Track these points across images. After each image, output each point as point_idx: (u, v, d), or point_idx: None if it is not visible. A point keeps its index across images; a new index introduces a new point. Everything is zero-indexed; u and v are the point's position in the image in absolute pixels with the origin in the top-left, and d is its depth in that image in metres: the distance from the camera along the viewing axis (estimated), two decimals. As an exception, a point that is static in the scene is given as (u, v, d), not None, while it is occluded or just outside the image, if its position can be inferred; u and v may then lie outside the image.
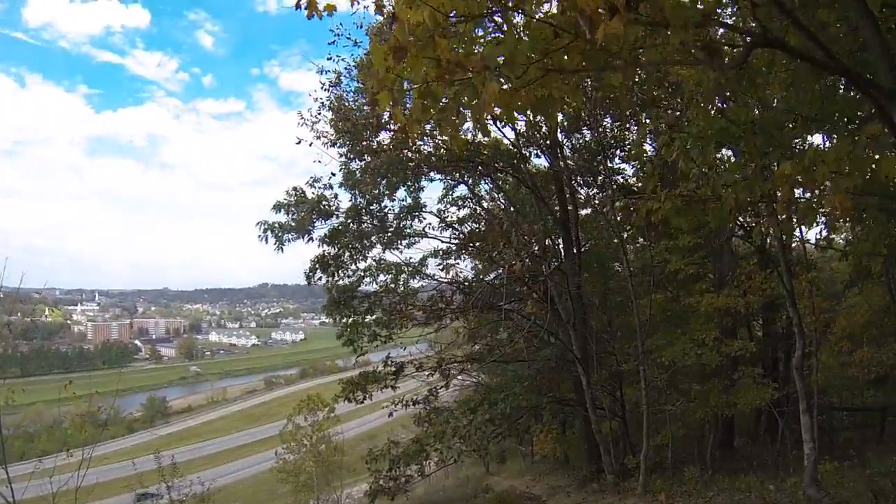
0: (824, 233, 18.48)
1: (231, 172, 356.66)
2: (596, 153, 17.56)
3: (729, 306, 14.88)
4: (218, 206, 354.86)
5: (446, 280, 16.71)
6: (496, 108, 3.55)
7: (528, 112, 4.29)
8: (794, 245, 18.24)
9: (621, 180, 17.93)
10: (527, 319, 16.15)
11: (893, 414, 16.88)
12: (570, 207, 16.25)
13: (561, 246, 16.33)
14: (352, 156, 15.33)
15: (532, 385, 14.84)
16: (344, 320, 15.93)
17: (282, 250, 15.32)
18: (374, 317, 15.98)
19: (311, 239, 15.45)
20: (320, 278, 15.92)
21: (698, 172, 6.06)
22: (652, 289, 15.03)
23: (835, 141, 5.88)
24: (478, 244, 15.74)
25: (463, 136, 9.89)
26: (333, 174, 15.34)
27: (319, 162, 15.41)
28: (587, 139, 17.99)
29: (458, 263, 17.29)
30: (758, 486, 11.47)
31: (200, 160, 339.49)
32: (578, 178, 17.12)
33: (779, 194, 4.66)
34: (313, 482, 36.58)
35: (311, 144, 14.74)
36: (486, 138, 15.19)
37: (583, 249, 16.14)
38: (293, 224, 15.17)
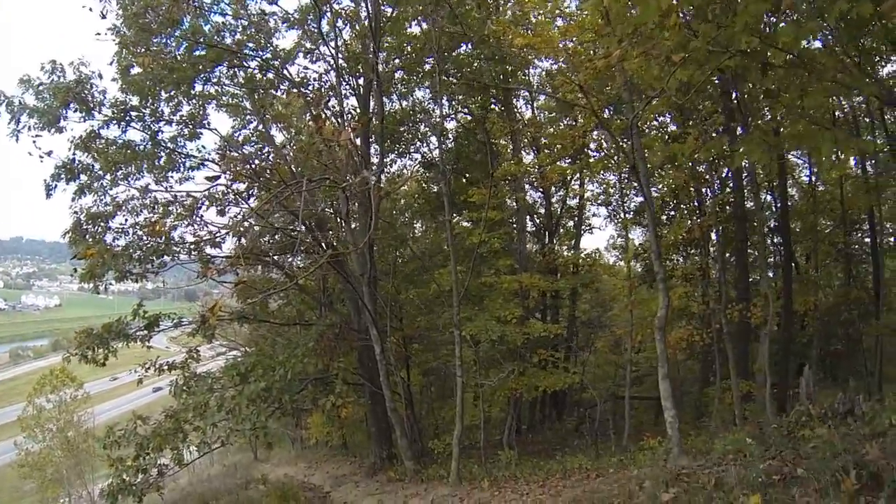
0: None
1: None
2: (402, 121, 17.37)
3: (536, 286, 14.87)
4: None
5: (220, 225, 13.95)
6: None
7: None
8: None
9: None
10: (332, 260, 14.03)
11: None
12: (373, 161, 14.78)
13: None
14: (132, 50, 12.26)
15: (316, 350, 12.46)
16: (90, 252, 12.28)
17: (17, 138, 11.61)
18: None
19: (60, 130, 11.98)
20: (65, 192, 12.63)
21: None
22: (474, 259, 14.00)
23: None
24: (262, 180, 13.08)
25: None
26: (104, 15, 11.89)
27: (90, 10, 11.78)
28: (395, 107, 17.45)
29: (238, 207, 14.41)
30: (589, 466, 10.68)
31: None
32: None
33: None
34: (63, 475, 32.15)
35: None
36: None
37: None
38: (40, 108, 11.59)
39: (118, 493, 11.10)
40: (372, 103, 14.74)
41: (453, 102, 17.64)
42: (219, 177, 12.56)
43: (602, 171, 19.07)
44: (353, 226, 13.78)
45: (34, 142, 11.52)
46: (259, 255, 13.30)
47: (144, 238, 12.56)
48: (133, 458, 11.29)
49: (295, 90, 14.22)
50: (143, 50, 12.21)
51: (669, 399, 9.40)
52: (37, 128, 11.72)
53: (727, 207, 16.01)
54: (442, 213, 17.22)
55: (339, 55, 14.34)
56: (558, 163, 17.62)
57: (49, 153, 11.73)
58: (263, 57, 13.51)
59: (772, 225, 16.92)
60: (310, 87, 14.73)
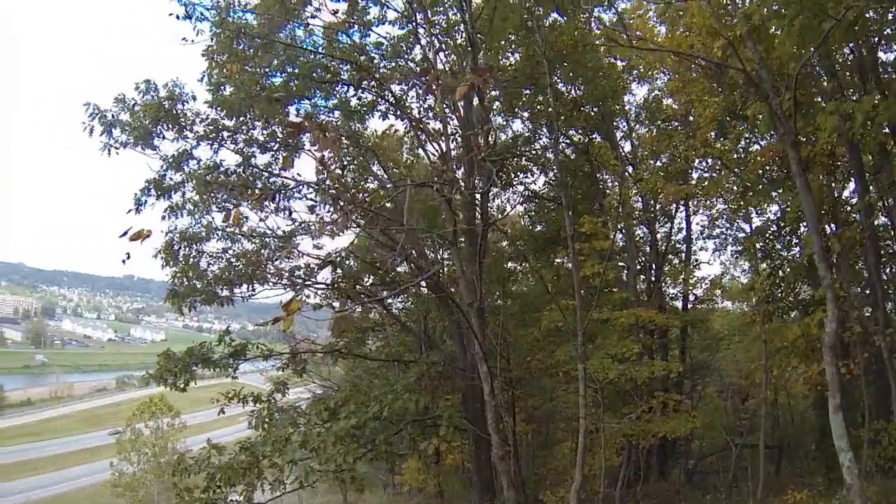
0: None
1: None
2: (502, 154, 16.07)
3: (652, 321, 13.97)
4: (93, 175, 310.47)
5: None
6: None
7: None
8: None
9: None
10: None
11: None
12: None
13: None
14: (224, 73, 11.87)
15: (416, 387, 11.25)
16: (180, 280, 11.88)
17: (109, 152, 11.51)
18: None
19: (152, 148, 11.85)
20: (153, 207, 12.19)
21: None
22: (599, 292, 12.73)
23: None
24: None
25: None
26: (188, 15, 11.42)
27: (177, 17, 11.34)
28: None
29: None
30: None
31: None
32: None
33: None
34: (154, 499, 32.77)
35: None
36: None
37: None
38: (131, 125, 11.42)
39: (179, 529, 10.20)
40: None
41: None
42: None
43: (712, 198, 17.49)
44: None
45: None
46: (355, 287, 12.43)
47: (238, 264, 12.11)
48: (202, 489, 10.41)
49: (395, 113, 13.65)
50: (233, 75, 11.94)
51: (844, 438, 7.56)
52: (128, 145, 11.59)
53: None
54: (547, 253, 16.18)
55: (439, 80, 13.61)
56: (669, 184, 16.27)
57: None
58: (357, 64, 12.83)
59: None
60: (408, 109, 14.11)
